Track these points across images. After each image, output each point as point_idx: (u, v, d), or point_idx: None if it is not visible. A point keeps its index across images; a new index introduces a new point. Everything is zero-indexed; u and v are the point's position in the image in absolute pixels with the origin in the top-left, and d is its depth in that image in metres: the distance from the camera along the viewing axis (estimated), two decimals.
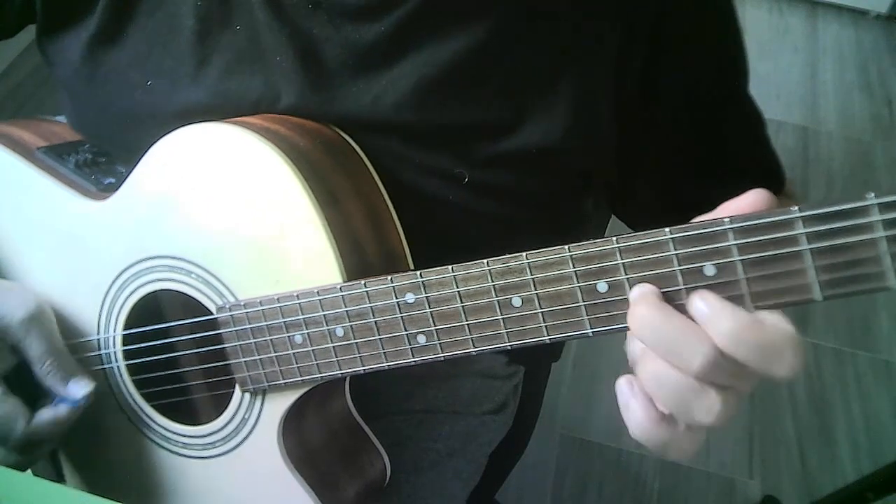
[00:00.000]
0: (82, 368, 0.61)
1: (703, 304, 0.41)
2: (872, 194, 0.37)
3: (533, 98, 0.58)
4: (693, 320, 0.41)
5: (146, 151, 0.57)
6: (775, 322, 0.39)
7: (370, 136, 0.58)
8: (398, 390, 0.78)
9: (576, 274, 0.44)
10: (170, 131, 0.56)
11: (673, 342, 0.40)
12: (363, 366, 0.52)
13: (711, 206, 0.43)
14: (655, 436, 0.43)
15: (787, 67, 2.52)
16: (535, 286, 0.45)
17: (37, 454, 0.60)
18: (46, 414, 0.59)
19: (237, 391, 0.59)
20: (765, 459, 1.59)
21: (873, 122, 2.34)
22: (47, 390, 0.60)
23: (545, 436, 1.59)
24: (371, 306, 0.50)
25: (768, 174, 0.67)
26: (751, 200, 0.41)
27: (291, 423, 0.59)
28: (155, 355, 0.62)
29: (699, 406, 0.41)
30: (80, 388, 0.60)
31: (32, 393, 0.61)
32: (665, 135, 0.63)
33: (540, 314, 0.45)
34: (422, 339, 0.49)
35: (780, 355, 0.39)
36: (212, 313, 0.57)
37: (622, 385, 0.44)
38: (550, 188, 0.62)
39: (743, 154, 0.65)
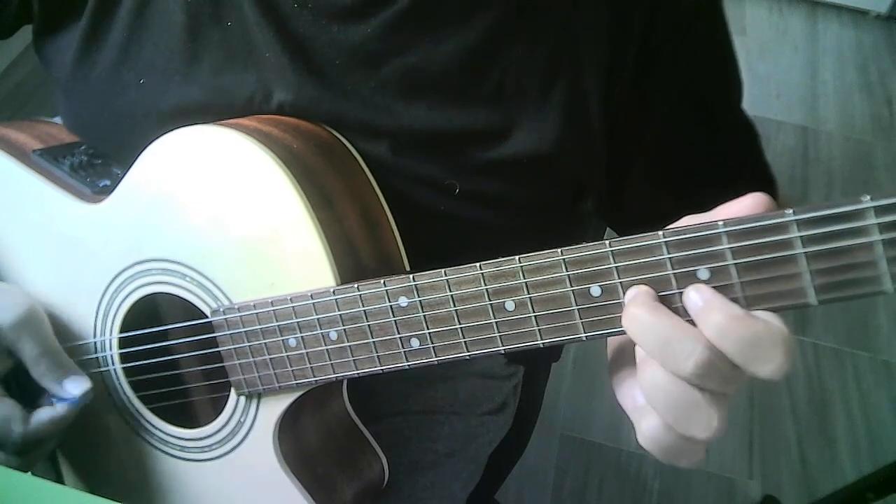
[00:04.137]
0: (78, 367, 0.61)
1: (697, 295, 0.40)
2: (868, 197, 0.36)
3: (524, 104, 0.58)
4: (688, 320, 0.41)
5: (140, 153, 0.57)
6: (768, 320, 0.39)
7: (361, 141, 0.58)
8: (397, 391, 0.78)
9: (569, 278, 0.43)
10: (165, 130, 0.56)
11: (665, 342, 0.40)
12: (357, 369, 0.52)
13: None
14: (662, 442, 0.43)
15: (787, 67, 2.51)
16: (528, 290, 0.45)
17: (37, 455, 0.60)
18: (44, 413, 0.59)
19: (233, 394, 0.59)
20: (765, 459, 1.59)
21: (873, 122, 2.33)
22: (45, 391, 0.60)
23: (545, 436, 1.59)
24: (364, 310, 0.50)
25: (761, 185, 0.66)
26: (749, 203, 0.40)
27: (287, 426, 0.59)
28: (151, 358, 0.62)
29: (697, 420, 0.40)
30: (76, 387, 0.60)
31: (32, 394, 0.61)
32: (656, 142, 0.63)
33: (533, 318, 0.45)
34: (415, 343, 0.49)
35: (768, 353, 0.38)
36: (206, 316, 0.57)
37: (636, 390, 0.44)
38: (543, 196, 0.62)
39: (735, 164, 0.65)
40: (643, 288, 0.42)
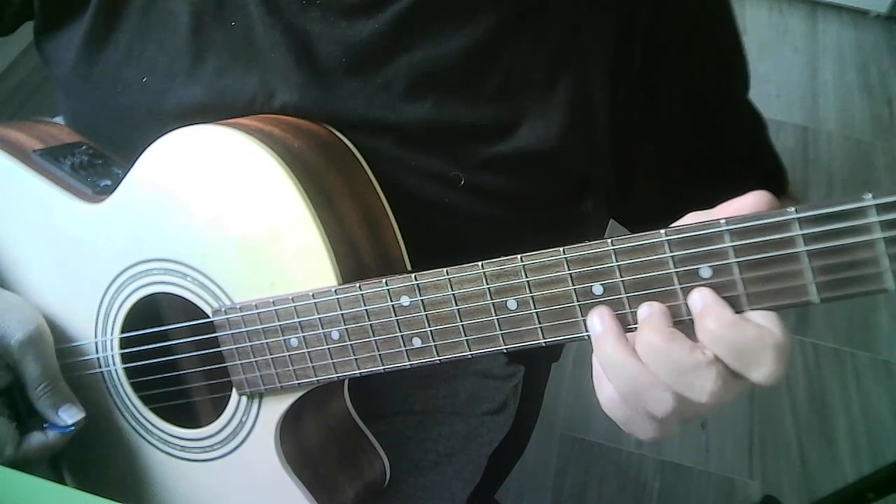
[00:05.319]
0: (73, 396, 0.61)
1: (699, 298, 0.41)
2: (870, 195, 0.36)
3: (529, 99, 0.58)
4: (690, 319, 0.41)
5: (142, 153, 0.57)
6: (762, 324, 0.39)
7: (365, 136, 0.58)
8: (398, 391, 0.78)
9: (571, 276, 0.43)
10: (167, 129, 0.56)
11: (680, 372, 0.40)
12: (359, 369, 0.52)
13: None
14: (620, 414, 0.44)
15: (787, 67, 2.51)
16: (530, 289, 0.45)
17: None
18: (36, 439, 0.59)
19: (234, 394, 0.59)
20: (765, 459, 1.59)
21: (873, 122, 2.33)
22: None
23: (545, 436, 1.58)
24: (366, 309, 0.50)
25: (769, 177, 0.66)
26: (751, 201, 0.40)
27: (289, 426, 0.59)
28: (152, 358, 0.62)
29: (652, 400, 0.42)
30: (70, 416, 0.60)
31: (25, 407, 0.61)
32: (664, 137, 0.63)
33: (535, 317, 0.45)
34: (417, 342, 0.49)
35: (758, 358, 0.39)
36: (208, 316, 0.57)
37: (596, 362, 0.45)
38: (547, 191, 0.62)
39: (743, 156, 0.65)
40: (657, 309, 0.42)
